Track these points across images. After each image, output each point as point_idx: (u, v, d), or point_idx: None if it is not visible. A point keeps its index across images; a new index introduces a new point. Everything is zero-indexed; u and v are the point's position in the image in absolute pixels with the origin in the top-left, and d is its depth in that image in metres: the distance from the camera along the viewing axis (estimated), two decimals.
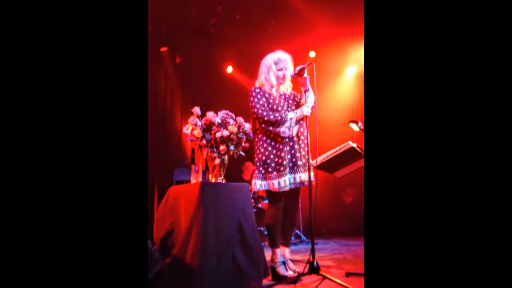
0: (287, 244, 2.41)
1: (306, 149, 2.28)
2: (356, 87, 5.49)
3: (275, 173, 2.27)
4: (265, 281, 2.16)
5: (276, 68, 2.39)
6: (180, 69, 5.84)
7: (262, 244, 2.69)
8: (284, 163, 2.27)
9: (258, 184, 2.32)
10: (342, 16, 4.71)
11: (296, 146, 2.33)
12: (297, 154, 2.32)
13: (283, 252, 2.38)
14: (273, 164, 2.28)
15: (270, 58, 2.42)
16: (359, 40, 5.02)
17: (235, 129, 2.22)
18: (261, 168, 2.32)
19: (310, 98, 2.31)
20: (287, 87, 2.48)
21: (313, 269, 2.03)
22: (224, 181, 2.22)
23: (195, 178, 2.20)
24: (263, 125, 2.32)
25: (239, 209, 2.10)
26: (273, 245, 2.34)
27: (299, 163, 2.31)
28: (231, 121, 2.27)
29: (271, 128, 2.28)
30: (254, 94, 2.36)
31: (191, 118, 2.25)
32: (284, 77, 2.40)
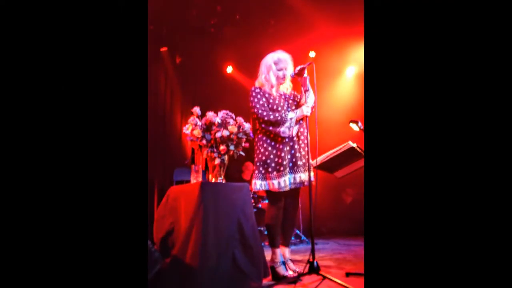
0: (287, 244, 2.41)
1: (306, 149, 2.28)
2: (356, 87, 5.49)
3: (275, 173, 2.27)
4: (265, 281, 2.16)
5: (276, 68, 2.39)
6: (180, 69, 5.84)
7: (262, 244, 2.69)
8: (284, 163, 2.27)
9: (258, 184, 2.32)
10: (342, 16, 4.71)
11: (296, 146, 2.33)
12: (297, 154, 2.32)
13: (283, 252, 2.38)
14: (273, 164, 2.28)
15: (270, 58, 2.42)
16: (359, 40, 5.02)
17: (235, 129, 2.22)
18: (261, 168, 2.32)
19: (310, 98, 2.31)
20: (287, 87, 2.48)
21: (313, 269, 2.03)
22: (224, 181, 2.22)
23: (195, 178, 2.20)
24: (263, 125, 2.32)
25: (239, 209, 2.10)
26: (273, 245, 2.34)
27: (299, 163, 2.31)
28: (231, 121, 2.27)
29: (271, 128, 2.28)
30: (254, 94, 2.36)
31: (191, 118, 2.25)
32: (284, 77, 2.40)
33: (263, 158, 2.31)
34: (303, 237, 4.36)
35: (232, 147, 2.22)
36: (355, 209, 5.11)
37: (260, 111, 2.30)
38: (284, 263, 2.33)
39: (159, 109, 5.49)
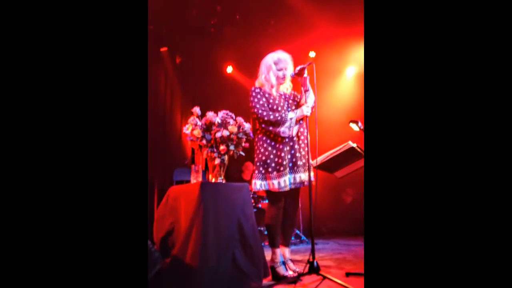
0: (287, 244, 2.41)
1: (306, 149, 2.28)
2: (356, 87, 5.49)
3: (275, 173, 2.27)
4: (265, 281, 2.16)
5: (276, 68, 2.39)
6: (180, 69, 5.84)
7: (262, 244, 2.69)
8: (284, 163, 2.27)
9: (258, 184, 2.32)
10: (342, 16, 4.71)
11: (296, 146, 2.33)
12: (297, 154, 2.32)
13: (283, 252, 2.38)
14: (273, 164, 2.28)
15: (270, 58, 2.42)
16: (359, 40, 5.02)
17: (235, 129, 2.22)
18: (261, 168, 2.32)
19: (310, 98, 2.31)
20: (287, 87, 2.48)
21: (313, 269, 2.03)
22: (224, 181, 2.22)
23: (195, 178, 2.20)
24: (263, 125, 2.32)
25: (239, 209, 2.10)
26: (273, 245, 2.34)
27: (299, 163, 2.31)
28: (231, 121, 2.27)
29: (271, 128, 2.28)
30: (254, 94, 2.36)
31: (191, 118, 2.25)
32: (284, 77, 2.40)
33: (263, 158, 2.31)
34: (303, 237, 4.36)
35: (232, 147, 2.22)
36: (355, 209, 5.11)
37: (260, 111, 2.30)
38: (284, 263, 2.33)
39: (159, 109, 5.49)
